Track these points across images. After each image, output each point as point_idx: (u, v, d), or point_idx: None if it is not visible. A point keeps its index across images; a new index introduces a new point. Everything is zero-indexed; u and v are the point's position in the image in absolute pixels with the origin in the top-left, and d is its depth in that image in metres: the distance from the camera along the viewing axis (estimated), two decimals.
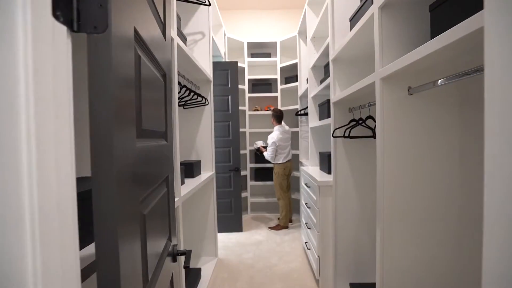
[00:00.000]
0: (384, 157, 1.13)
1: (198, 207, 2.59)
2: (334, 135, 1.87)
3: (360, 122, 1.73)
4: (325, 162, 2.32)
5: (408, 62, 0.91)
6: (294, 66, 3.97)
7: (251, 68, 4.29)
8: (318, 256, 2.08)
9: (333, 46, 1.96)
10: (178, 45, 1.53)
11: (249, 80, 4.18)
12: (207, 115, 2.58)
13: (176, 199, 1.37)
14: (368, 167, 1.93)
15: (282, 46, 4.15)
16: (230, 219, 3.36)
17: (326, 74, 2.38)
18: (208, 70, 2.56)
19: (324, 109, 2.33)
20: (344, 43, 1.62)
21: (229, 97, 3.29)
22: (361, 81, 1.37)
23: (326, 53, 2.50)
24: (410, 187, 1.12)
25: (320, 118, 2.52)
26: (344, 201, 1.95)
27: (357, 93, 1.56)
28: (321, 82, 2.53)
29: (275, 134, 3.48)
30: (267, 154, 3.49)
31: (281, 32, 4.26)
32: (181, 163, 2.20)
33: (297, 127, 3.94)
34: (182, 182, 1.73)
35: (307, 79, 3.35)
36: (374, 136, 1.43)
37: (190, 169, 2.18)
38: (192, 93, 2.27)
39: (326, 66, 2.47)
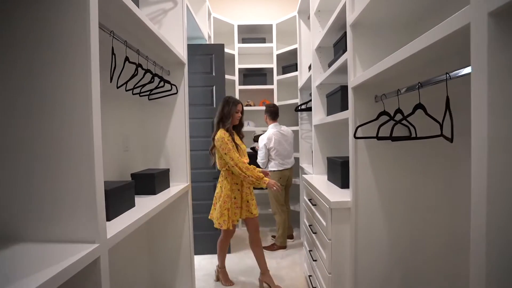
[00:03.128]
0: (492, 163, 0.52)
1: (166, 231, 1.97)
2: (356, 136, 1.26)
3: (394, 118, 1.12)
4: (337, 172, 1.71)
5: None
6: (293, 53, 3.35)
7: (243, 56, 3.67)
8: None
9: (352, 6, 1.35)
10: None
11: (240, 69, 3.56)
12: (179, 109, 1.96)
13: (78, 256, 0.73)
14: (406, 182, 1.32)
15: (279, 29, 3.53)
16: (216, 238, 2.73)
17: (337, 54, 1.77)
18: (181, 49, 1.93)
19: (336, 100, 1.72)
20: None
21: (214, 88, 2.67)
22: (425, 35, 0.76)
23: (336, 27, 1.89)
24: None
25: (330, 112, 1.90)
26: (369, 231, 1.35)
27: (394, 70, 0.96)
28: (330, 65, 1.91)
29: (267, 134, 2.89)
30: (258, 159, 2.92)
31: (278, 13, 3.64)
32: (135, 175, 1.58)
33: (297, 125, 3.33)
34: (112, 215, 1.10)
35: (309, 66, 2.74)
36: (449, 138, 0.83)
37: (149, 182, 1.56)
38: (158, 80, 1.65)
39: (338, 44, 1.86)
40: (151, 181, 1.56)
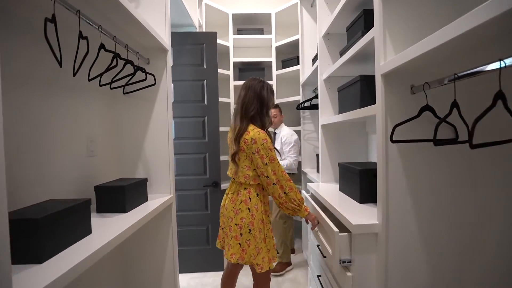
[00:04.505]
0: None
1: (145, 253, 1.63)
2: (394, 139, 0.93)
3: (439, 115, 0.79)
4: (353, 183, 1.39)
5: None
6: (294, 45, 3.03)
7: (238, 48, 3.33)
8: None
9: None
10: None
11: (235, 63, 3.22)
12: (161, 105, 1.62)
13: None
14: (450, 196, 1.00)
15: (278, 19, 3.20)
16: (207, 254, 2.40)
17: (353, 38, 1.45)
18: (163, 33, 1.60)
19: (353, 93, 1.39)
20: None
21: (205, 82, 2.33)
22: None
23: (350, 8, 1.57)
24: None
25: (343, 109, 1.58)
26: (404, 263, 1.02)
27: (445, 49, 0.66)
28: (343, 53, 1.59)
29: (288, 130, 2.67)
30: (288, 161, 2.54)
31: (277, 1, 3.31)
32: (100, 188, 1.23)
33: (299, 125, 3.00)
34: (48, 253, 0.76)
35: (313, 58, 2.42)
36: None
37: (117, 197, 1.22)
38: (132, 69, 1.32)
39: (352, 26, 1.54)
40: (120, 195, 1.22)
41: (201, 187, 2.29)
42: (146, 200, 1.45)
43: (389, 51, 1.01)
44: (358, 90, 1.30)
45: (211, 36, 2.35)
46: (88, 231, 0.96)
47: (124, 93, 1.54)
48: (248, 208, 1.46)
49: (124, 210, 1.22)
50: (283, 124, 2.75)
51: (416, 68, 0.97)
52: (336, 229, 1.11)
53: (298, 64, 2.92)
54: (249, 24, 3.34)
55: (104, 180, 1.40)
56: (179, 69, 2.30)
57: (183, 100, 2.30)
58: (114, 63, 1.18)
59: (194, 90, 2.31)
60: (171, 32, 2.30)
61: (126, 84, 1.41)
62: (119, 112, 1.59)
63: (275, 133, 2.74)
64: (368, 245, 1.05)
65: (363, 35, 1.28)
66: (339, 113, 1.63)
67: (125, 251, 1.61)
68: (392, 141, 0.92)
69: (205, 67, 2.33)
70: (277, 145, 2.63)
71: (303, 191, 1.96)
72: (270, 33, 3.19)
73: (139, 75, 1.48)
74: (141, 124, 1.61)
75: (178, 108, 2.29)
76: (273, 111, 2.64)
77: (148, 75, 1.43)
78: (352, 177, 1.41)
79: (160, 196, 1.57)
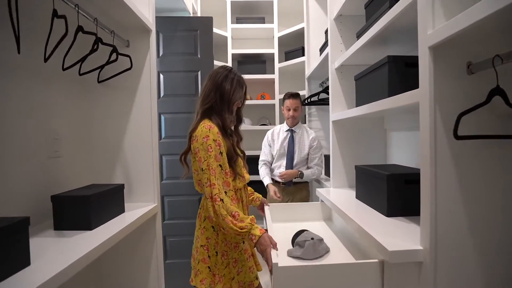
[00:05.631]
0: None
1: (123, 271, 1.36)
2: (458, 135, 0.66)
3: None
4: (379, 191, 1.12)
5: None
6: (299, 35, 2.76)
7: (237, 40, 3.07)
8: None
9: None
10: None
11: (234, 55, 2.95)
12: (143, 97, 1.36)
13: None
14: None
15: (281, 7, 2.93)
16: None
17: (378, 12, 1.18)
18: (146, 10, 1.33)
19: (378, 81, 1.12)
20: None
21: (199, 74, 2.07)
22: None
23: None
24: None
25: (361, 101, 1.30)
26: None
27: None
28: (361, 34, 1.32)
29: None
30: (316, 171, 2.11)
31: None
32: (58, 198, 0.97)
33: (303, 122, 2.74)
34: None
35: (321, 48, 2.15)
36: None
37: (79, 211, 0.96)
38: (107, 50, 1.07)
39: (373, 2, 1.27)
40: (83, 208, 0.96)
41: (194, 192, 2.01)
42: (122, 211, 1.18)
43: (437, 16, 0.75)
44: (386, 75, 1.03)
45: (206, 22, 2.08)
46: (26, 262, 0.69)
47: (99, 82, 1.28)
48: (213, 227, 1.13)
49: (88, 227, 0.96)
50: (300, 124, 2.24)
51: (478, 38, 0.70)
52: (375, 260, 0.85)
53: (303, 55, 2.65)
54: (249, 12, 3.07)
55: (70, 187, 1.13)
56: (170, 58, 2.04)
57: (174, 94, 2.04)
58: (89, 46, 0.92)
59: (187, 83, 2.05)
60: (160, 17, 2.04)
61: (96, 69, 1.15)
62: (92, 105, 1.32)
63: (292, 131, 2.18)
64: (408, 279, 0.78)
65: (391, 6, 1.02)
66: (357, 105, 1.36)
67: (99, 272, 1.35)
68: (458, 137, 0.65)
69: (199, 56, 2.06)
70: (297, 147, 2.15)
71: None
72: (272, 22, 2.92)
73: (123, 62, 1.22)
74: (120, 119, 1.35)
75: (168, 103, 2.03)
76: (289, 103, 2.13)
77: (116, 53, 1.16)
78: (375, 184, 1.15)
79: (142, 206, 1.31)
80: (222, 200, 1.02)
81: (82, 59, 1.11)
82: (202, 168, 1.06)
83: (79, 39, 1.00)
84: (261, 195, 1.46)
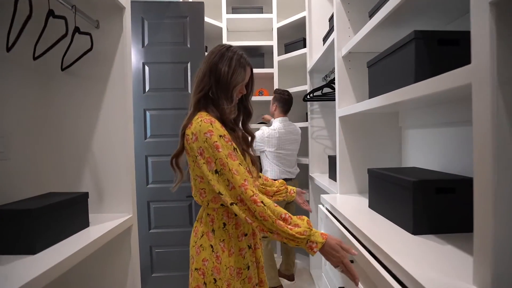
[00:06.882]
0: None
1: None
2: None
3: None
4: (402, 202, 0.90)
5: None
6: (299, 26, 2.55)
7: (233, 31, 2.85)
8: None
9: None
10: None
11: None
12: (116, 87, 1.14)
13: None
14: None
15: None
16: (187, 279, 1.92)
17: None
18: None
19: (401, 62, 0.90)
20: None
21: (188, 65, 1.85)
22: None
23: None
24: None
25: (375, 92, 1.08)
26: None
27: None
28: (373, 13, 1.10)
29: (270, 128, 2.14)
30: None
31: None
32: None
33: (305, 120, 2.53)
34: None
35: (325, 37, 1.94)
36: None
37: (19, 229, 0.74)
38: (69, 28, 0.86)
39: None
40: (23, 225, 0.74)
41: (184, 197, 1.80)
42: (86, 225, 0.96)
43: None
44: (412, 56, 0.81)
45: (197, 7, 1.87)
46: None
47: (62, 70, 1.07)
48: (212, 246, 0.92)
49: (31, 250, 0.74)
50: (275, 120, 2.25)
51: None
52: None
53: (305, 47, 2.44)
54: (246, 2, 2.86)
55: (20, 197, 0.92)
56: (156, 48, 1.82)
57: (161, 88, 1.83)
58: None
59: (175, 75, 1.83)
60: (145, 1, 1.83)
61: (49, 49, 0.93)
62: (54, 97, 1.11)
63: None
64: None
65: None
66: (370, 97, 1.14)
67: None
68: None
69: (188, 46, 1.85)
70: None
71: (320, 206, 1.47)
72: (270, 12, 2.70)
73: (97, 47, 1.01)
74: (88, 114, 1.13)
75: (154, 98, 1.82)
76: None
77: (72, 31, 0.95)
78: (397, 192, 0.93)
79: (115, 217, 1.09)
80: (262, 201, 0.81)
81: (37, 41, 0.90)
82: (215, 171, 0.84)
83: (36, 17, 0.79)
84: (294, 187, 1.28)
